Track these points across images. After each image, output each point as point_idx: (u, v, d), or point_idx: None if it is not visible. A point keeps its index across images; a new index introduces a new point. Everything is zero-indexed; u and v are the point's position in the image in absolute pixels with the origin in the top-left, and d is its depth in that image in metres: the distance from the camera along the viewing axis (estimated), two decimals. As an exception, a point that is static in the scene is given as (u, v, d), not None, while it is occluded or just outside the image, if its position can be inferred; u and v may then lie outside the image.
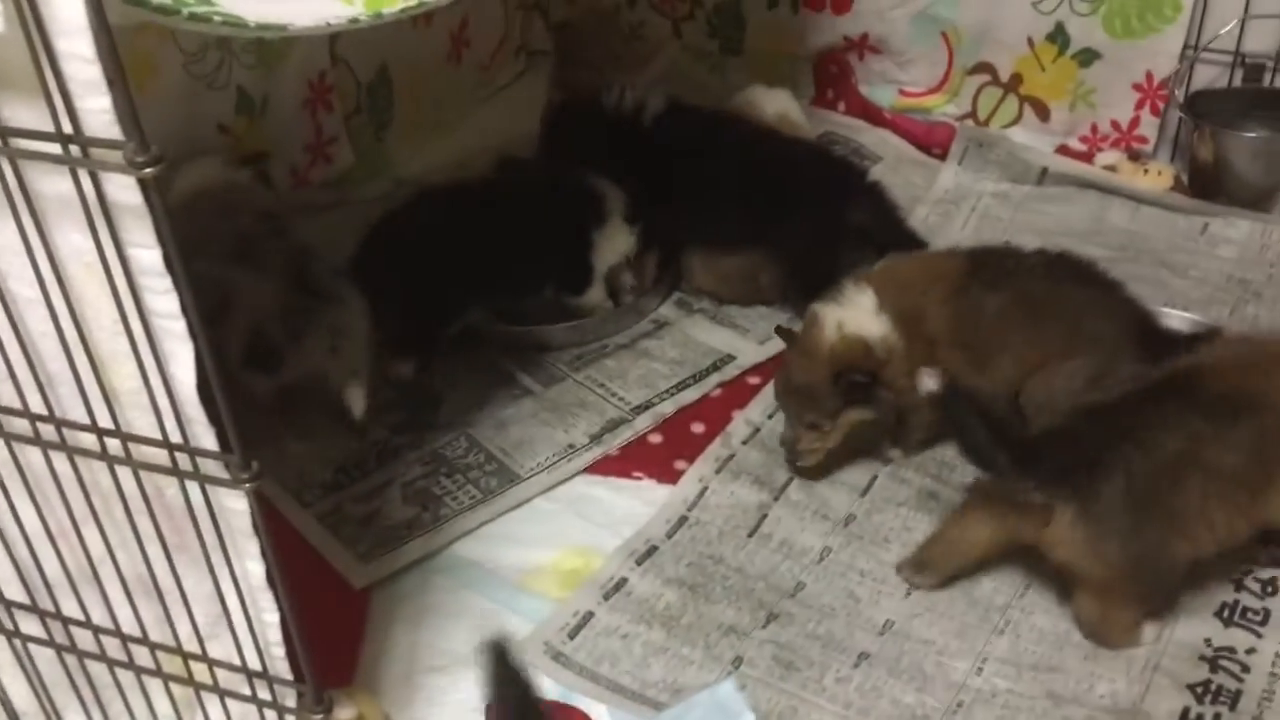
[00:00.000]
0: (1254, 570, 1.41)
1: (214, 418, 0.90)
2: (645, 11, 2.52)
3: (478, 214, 1.79)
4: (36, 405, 0.96)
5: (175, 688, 1.12)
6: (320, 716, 1.07)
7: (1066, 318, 1.52)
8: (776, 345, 1.73)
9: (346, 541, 1.53)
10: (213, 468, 0.93)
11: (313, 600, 1.21)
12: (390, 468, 1.64)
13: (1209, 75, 2.10)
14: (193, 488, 0.95)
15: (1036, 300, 1.52)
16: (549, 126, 2.07)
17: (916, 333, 1.50)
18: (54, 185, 0.83)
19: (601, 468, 1.64)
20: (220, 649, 1.08)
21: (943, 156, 2.20)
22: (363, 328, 1.59)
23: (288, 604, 1.01)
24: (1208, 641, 1.35)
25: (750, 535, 1.53)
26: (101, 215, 0.82)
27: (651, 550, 1.51)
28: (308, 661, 1.04)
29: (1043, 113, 2.21)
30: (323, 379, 1.58)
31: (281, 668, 1.06)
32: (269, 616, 1.03)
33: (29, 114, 0.81)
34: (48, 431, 0.97)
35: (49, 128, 0.80)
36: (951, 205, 2.11)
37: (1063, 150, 2.19)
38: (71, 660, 1.14)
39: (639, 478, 1.63)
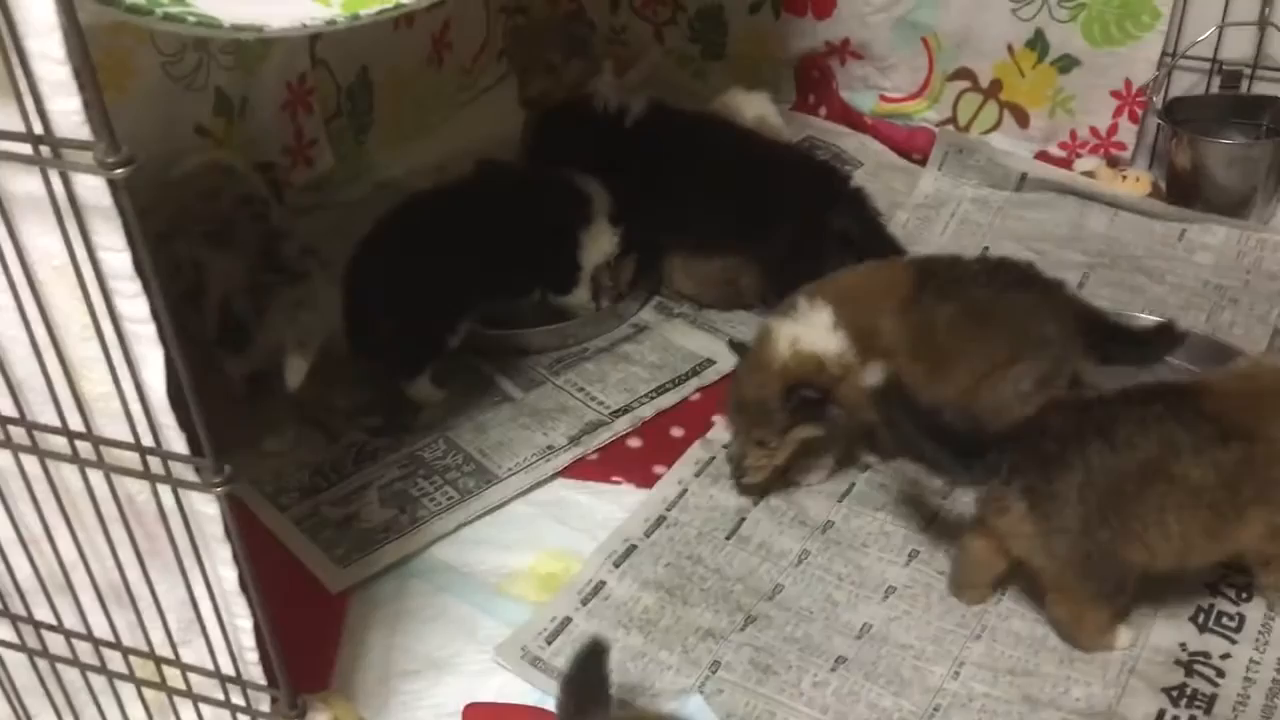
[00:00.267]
0: (1229, 576, 1.42)
1: (185, 422, 0.90)
2: (628, 16, 2.53)
3: (471, 219, 1.77)
4: (7, 408, 0.95)
5: (148, 693, 1.11)
6: (293, 721, 1.07)
7: (1012, 323, 1.52)
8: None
9: (324, 545, 1.52)
10: (184, 471, 0.93)
11: (289, 604, 1.22)
12: (368, 470, 1.63)
13: (1187, 82, 2.11)
14: (165, 492, 0.95)
15: (983, 308, 1.52)
16: (536, 128, 2.07)
17: (872, 346, 1.48)
18: (23, 186, 0.82)
19: (580, 472, 1.64)
20: (194, 654, 1.07)
21: (923, 162, 2.21)
22: (325, 302, 1.60)
23: (261, 609, 1.00)
24: (1183, 646, 1.36)
25: (729, 538, 1.53)
26: (72, 217, 0.82)
27: (630, 550, 1.51)
28: (281, 667, 1.04)
29: (1022, 119, 2.22)
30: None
31: (255, 673, 1.06)
32: (242, 622, 1.02)
33: (-2, 114, 0.80)
34: (18, 434, 0.96)
35: (19, 128, 0.79)
36: (931, 210, 2.11)
37: (1042, 156, 2.20)
38: (44, 665, 1.13)
39: (617, 482, 1.62)
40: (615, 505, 1.58)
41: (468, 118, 2.41)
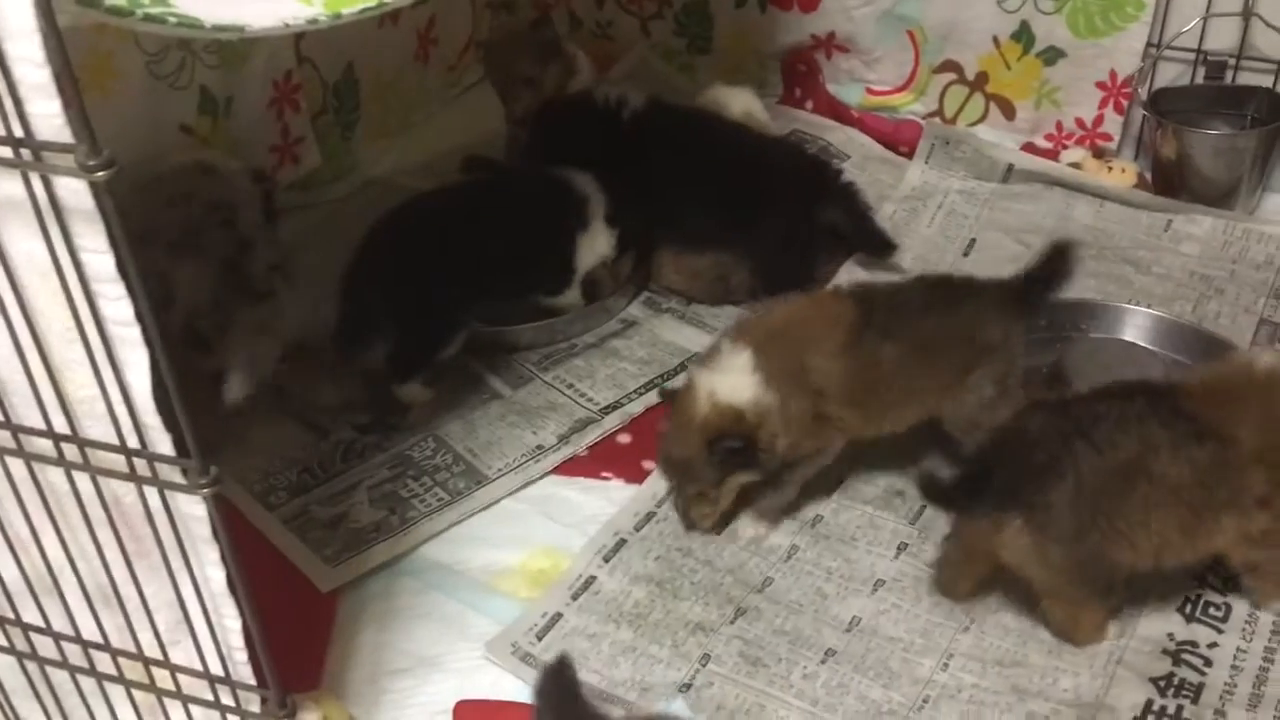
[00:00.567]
0: (1216, 566, 1.42)
1: (170, 423, 0.90)
2: (613, 10, 2.52)
3: (471, 224, 1.76)
4: (-9, 412, 0.95)
5: (138, 694, 1.11)
6: (283, 721, 1.07)
7: (960, 342, 1.47)
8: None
9: (313, 545, 1.52)
10: (170, 473, 0.93)
11: (279, 604, 1.22)
12: (357, 470, 1.63)
13: (1171, 73, 2.11)
14: (151, 494, 0.95)
15: (929, 341, 1.46)
16: (536, 125, 2.06)
17: (799, 387, 1.42)
18: (4, 189, 0.82)
19: (570, 468, 1.64)
20: (182, 655, 1.07)
21: (910, 154, 2.21)
22: (283, 322, 1.61)
23: (250, 609, 1.00)
24: (1170, 636, 1.36)
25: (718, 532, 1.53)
26: (54, 220, 0.82)
27: (620, 544, 1.51)
28: (270, 666, 1.04)
29: (1008, 111, 2.23)
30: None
31: (245, 673, 1.06)
32: (231, 622, 1.02)
33: (-23, 118, 0.80)
34: (3, 437, 0.96)
35: (-1, 132, 0.79)
36: (918, 202, 2.12)
37: (1028, 148, 2.20)
38: (33, 668, 1.13)
39: (607, 478, 1.62)
40: (605, 501, 1.58)
41: (454, 114, 2.41)
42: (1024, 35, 2.15)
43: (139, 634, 1.06)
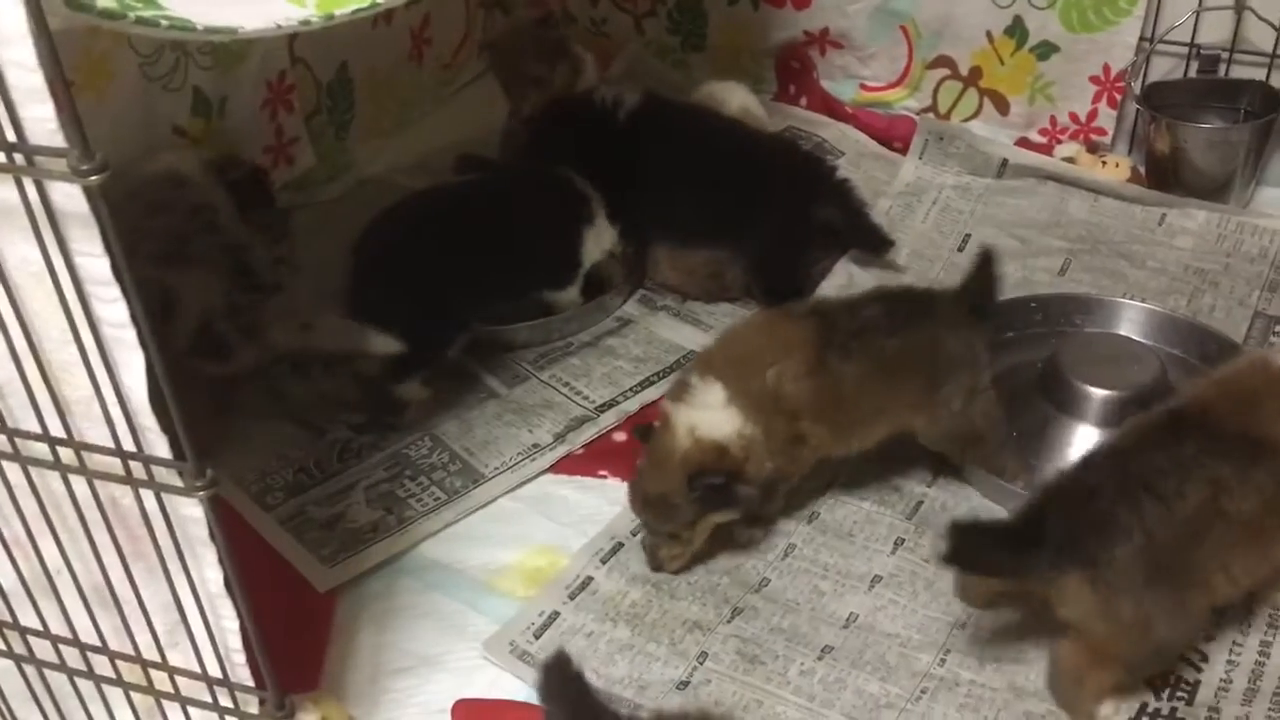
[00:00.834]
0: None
1: (167, 426, 0.90)
2: (607, 8, 2.52)
3: (474, 224, 1.75)
4: (-13, 416, 0.95)
5: (136, 696, 1.11)
6: (282, 722, 1.07)
7: (923, 360, 1.45)
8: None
9: (310, 545, 1.52)
10: (167, 475, 0.93)
11: (277, 604, 1.22)
12: (353, 470, 1.63)
13: (1165, 67, 2.12)
14: (148, 496, 0.95)
15: (891, 360, 1.44)
16: (537, 123, 2.06)
17: (776, 411, 1.40)
18: (-2, 194, 0.82)
19: (566, 467, 1.64)
20: (180, 657, 1.07)
21: (904, 150, 2.21)
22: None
23: (247, 611, 1.00)
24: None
25: (715, 532, 1.53)
26: (48, 224, 0.82)
27: (617, 547, 1.51)
28: (268, 668, 1.04)
29: (1002, 106, 2.23)
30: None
31: (243, 674, 1.06)
32: (229, 624, 1.02)
33: (-30, 123, 0.80)
34: (-1, 442, 0.96)
35: (-9, 136, 0.79)
36: (913, 198, 2.12)
37: (1022, 143, 2.20)
38: (31, 671, 1.13)
39: (604, 476, 1.63)
40: (602, 499, 1.58)
41: (448, 113, 2.41)
42: (1017, 30, 2.15)
43: (137, 636, 1.06)
